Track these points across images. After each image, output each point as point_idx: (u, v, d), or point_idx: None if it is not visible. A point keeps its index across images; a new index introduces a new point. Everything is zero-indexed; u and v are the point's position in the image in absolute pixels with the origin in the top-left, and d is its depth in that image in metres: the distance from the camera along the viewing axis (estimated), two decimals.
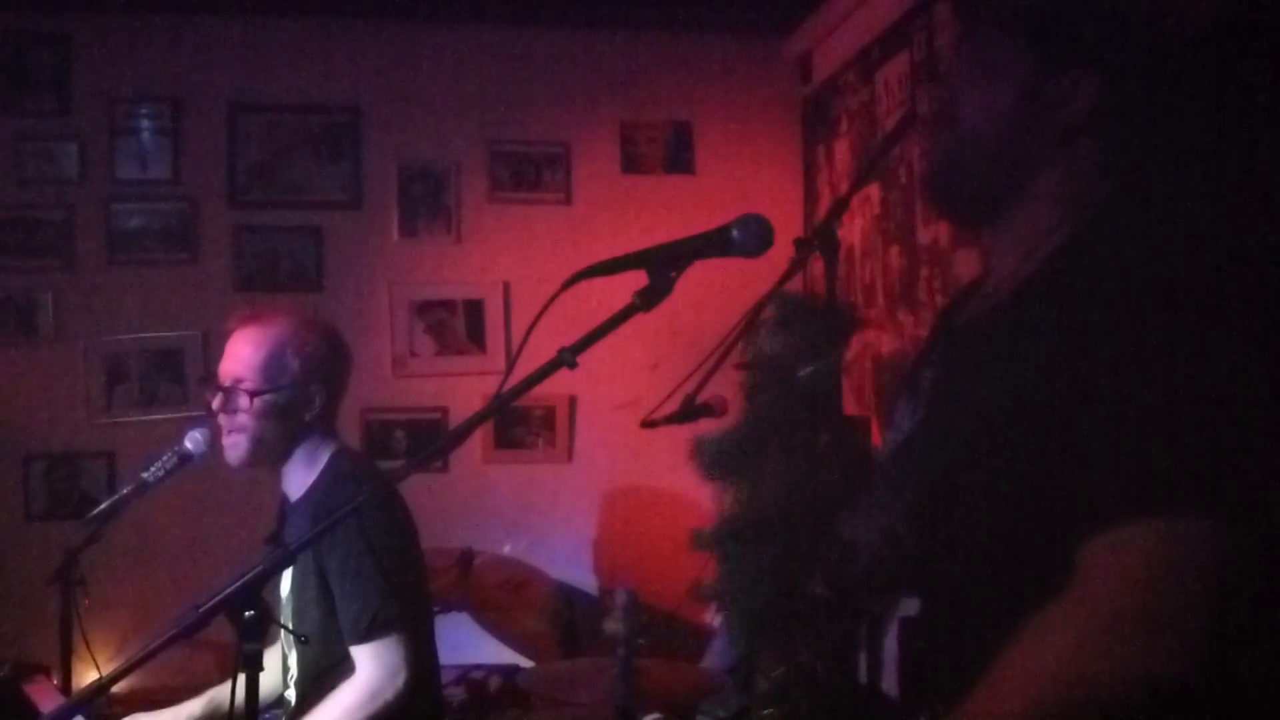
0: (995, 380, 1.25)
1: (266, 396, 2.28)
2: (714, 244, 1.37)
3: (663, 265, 1.35)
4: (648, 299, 1.35)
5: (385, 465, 3.43)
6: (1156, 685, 1.08)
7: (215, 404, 2.33)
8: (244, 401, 2.28)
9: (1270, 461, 1.11)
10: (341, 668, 2.21)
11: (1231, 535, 1.08)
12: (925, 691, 1.28)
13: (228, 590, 1.38)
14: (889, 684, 1.37)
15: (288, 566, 2.08)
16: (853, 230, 3.78)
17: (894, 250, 3.55)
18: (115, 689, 1.61)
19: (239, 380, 2.30)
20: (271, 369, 2.29)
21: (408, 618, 2.21)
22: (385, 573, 2.18)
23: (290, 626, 2.24)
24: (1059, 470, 1.16)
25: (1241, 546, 1.08)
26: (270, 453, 2.33)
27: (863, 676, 1.40)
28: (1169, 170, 1.44)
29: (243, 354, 2.31)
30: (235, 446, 2.32)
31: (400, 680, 2.16)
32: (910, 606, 1.34)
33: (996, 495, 1.23)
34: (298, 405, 2.31)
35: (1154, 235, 1.27)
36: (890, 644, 1.36)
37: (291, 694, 2.33)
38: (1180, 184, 1.52)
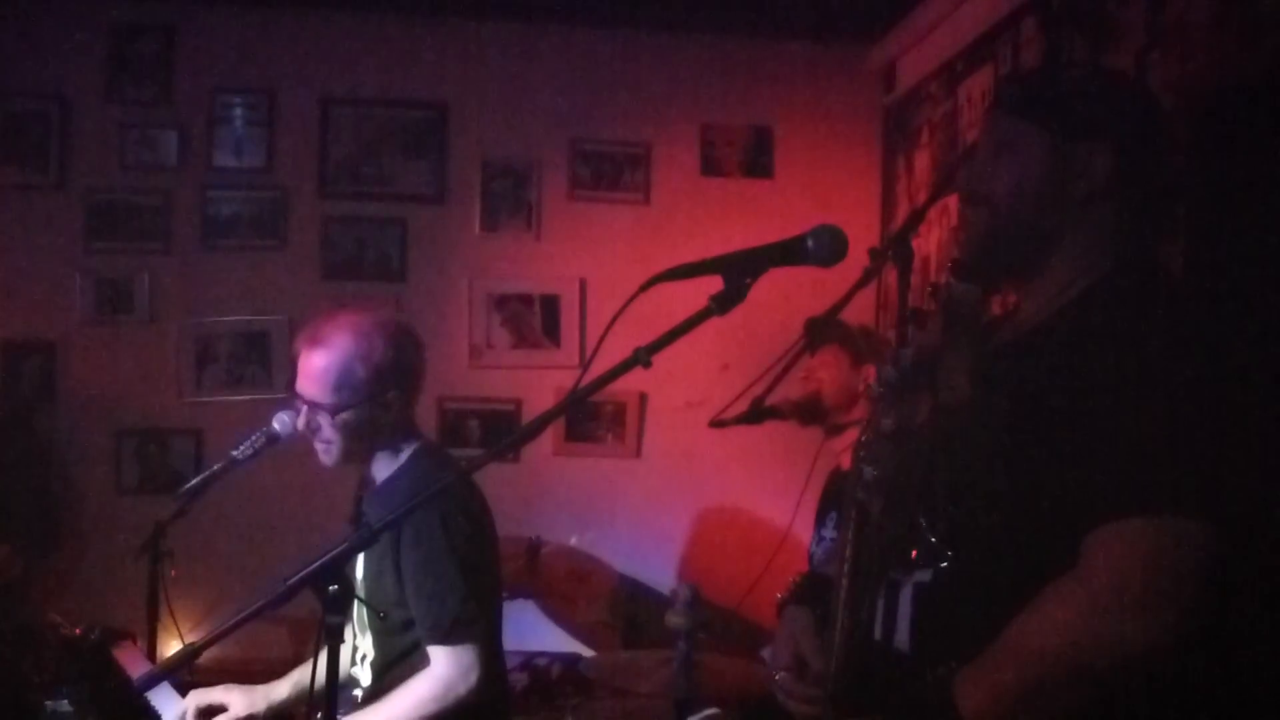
0: (1021, 395, 1.45)
1: (345, 414, 2.35)
2: (789, 253, 1.43)
3: (738, 272, 1.41)
4: (722, 303, 1.41)
5: (460, 454, 3.51)
6: (1145, 658, 1.29)
7: (300, 423, 2.41)
8: (325, 419, 2.36)
9: (1251, 477, 1.35)
10: (411, 656, 2.31)
11: (1217, 534, 1.29)
12: (938, 649, 1.43)
13: (313, 565, 1.46)
14: (901, 640, 1.50)
15: (370, 546, 2.15)
16: (929, 241, 3.78)
17: None
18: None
19: (317, 400, 2.36)
20: (344, 386, 2.34)
21: (484, 621, 2.29)
22: (466, 576, 2.25)
23: (369, 602, 2.32)
24: (1072, 469, 1.36)
25: (1224, 544, 1.29)
26: (357, 456, 2.42)
27: (877, 633, 1.54)
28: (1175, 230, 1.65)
29: (314, 374, 2.36)
30: (326, 454, 2.40)
31: (473, 678, 2.24)
32: (925, 573, 1.49)
33: (1015, 488, 1.41)
34: (376, 413, 2.36)
35: (1158, 290, 1.50)
36: (905, 606, 1.50)
37: (361, 672, 2.42)
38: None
